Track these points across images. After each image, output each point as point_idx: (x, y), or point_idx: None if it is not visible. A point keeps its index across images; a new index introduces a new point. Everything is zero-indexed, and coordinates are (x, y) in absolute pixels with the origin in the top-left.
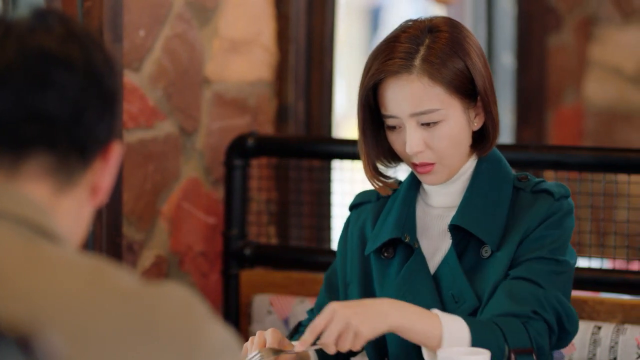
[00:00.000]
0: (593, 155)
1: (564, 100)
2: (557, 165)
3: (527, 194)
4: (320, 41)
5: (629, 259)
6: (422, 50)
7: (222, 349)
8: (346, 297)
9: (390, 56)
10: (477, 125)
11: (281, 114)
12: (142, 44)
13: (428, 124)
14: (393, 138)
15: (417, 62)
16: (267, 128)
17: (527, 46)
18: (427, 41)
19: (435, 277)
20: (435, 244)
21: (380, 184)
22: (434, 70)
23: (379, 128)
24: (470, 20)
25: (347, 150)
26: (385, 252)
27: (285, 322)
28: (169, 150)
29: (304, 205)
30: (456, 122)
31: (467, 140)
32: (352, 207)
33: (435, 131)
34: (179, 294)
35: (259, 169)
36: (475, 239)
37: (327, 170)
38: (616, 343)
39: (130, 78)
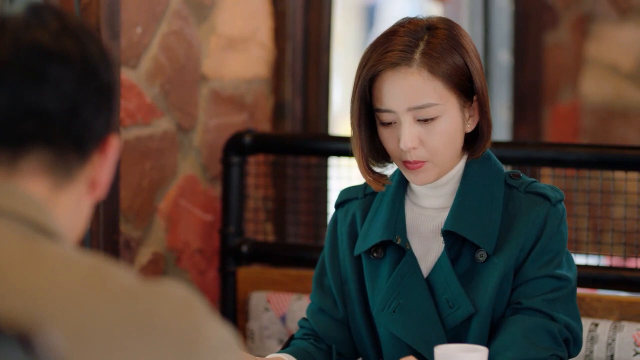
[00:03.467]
0: (590, 153)
1: (560, 98)
2: (554, 163)
3: (521, 194)
4: (317, 38)
5: (625, 256)
6: (421, 45)
7: (220, 346)
8: (343, 296)
9: (389, 48)
10: (470, 127)
11: (278, 111)
12: (139, 41)
13: (425, 120)
14: (386, 134)
15: (417, 55)
16: (264, 125)
17: (524, 43)
18: (426, 37)
19: (429, 280)
20: (427, 244)
21: (374, 179)
22: (434, 63)
23: (371, 124)
24: (467, 18)
25: (344, 148)
26: (374, 252)
27: (282, 319)
28: (166, 148)
29: (301, 202)
30: (452, 119)
31: (460, 140)
32: (338, 205)
33: (431, 127)
34: (177, 291)
35: (256, 166)
36: (470, 242)
37: (324, 168)
38: (613, 340)
39: (127, 75)
